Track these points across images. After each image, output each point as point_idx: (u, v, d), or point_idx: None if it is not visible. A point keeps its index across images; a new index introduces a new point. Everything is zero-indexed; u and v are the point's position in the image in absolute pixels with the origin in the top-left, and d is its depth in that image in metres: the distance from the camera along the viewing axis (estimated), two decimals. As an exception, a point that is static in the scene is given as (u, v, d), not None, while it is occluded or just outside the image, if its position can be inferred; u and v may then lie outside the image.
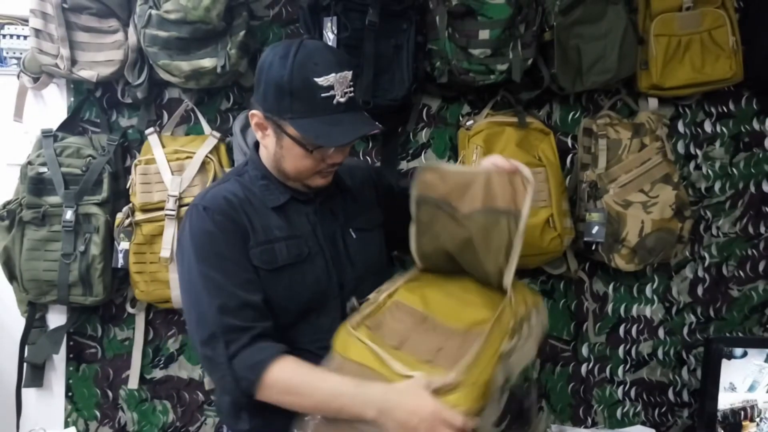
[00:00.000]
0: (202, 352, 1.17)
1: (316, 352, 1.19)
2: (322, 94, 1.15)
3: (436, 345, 1.15)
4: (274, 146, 1.23)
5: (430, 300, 1.25)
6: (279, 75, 1.16)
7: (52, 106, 1.88)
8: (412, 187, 1.30)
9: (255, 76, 1.23)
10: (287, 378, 1.12)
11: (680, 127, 2.02)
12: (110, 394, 1.89)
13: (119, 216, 1.74)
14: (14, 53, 1.87)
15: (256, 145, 1.31)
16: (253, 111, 1.22)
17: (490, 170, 1.26)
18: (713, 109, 2.03)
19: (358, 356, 1.13)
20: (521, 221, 1.20)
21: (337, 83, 1.16)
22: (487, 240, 1.23)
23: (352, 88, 1.20)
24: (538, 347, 1.24)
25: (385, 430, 1.05)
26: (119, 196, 1.80)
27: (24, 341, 1.82)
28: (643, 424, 2.03)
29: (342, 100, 1.17)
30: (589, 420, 2.03)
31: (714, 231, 2.05)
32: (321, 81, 1.15)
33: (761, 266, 2.07)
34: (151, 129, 1.80)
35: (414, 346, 1.15)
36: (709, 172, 2.03)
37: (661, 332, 2.04)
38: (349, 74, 1.18)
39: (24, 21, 1.79)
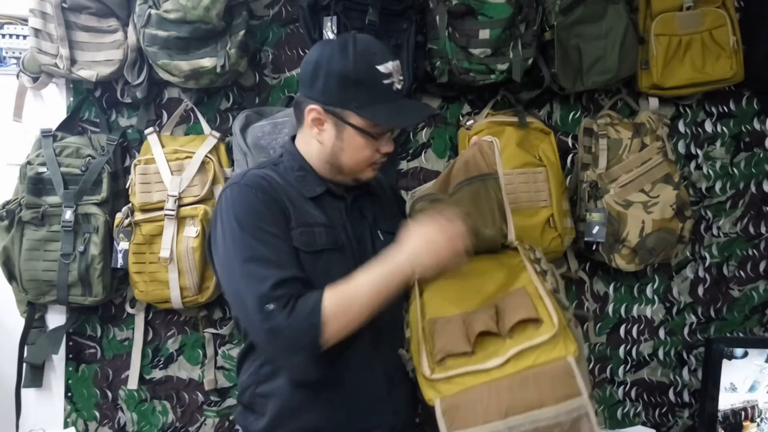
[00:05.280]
0: (259, 326, 1.13)
1: (342, 351, 1.21)
2: (384, 81, 1.20)
3: (494, 323, 1.20)
4: (332, 140, 1.24)
5: (453, 298, 1.29)
6: (342, 66, 1.19)
7: (52, 105, 1.87)
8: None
9: (307, 73, 1.24)
10: (339, 301, 1.14)
11: (681, 127, 2.02)
12: (110, 394, 1.89)
13: (119, 216, 1.73)
14: (14, 53, 1.87)
15: (293, 138, 1.33)
16: (311, 106, 1.23)
17: (460, 155, 1.39)
18: (714, 109, 2.03)
19: (457, 388, 1.16)
20: (500, 179, 1.31)
21: (394, 71, 1.22)
22: (479, 206, 1.30)
23: (403, 77, 1.25)
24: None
25: (430, 274, 1.19)
26: (119, 196, 1.80)
27: (23, 341, 1.81)
28: (644, 424, 2.03)
29: (399, 86, 1.23)
30: (590, 420, 2.02)
31: (715, 231, 2.04)
32: (382, 68, 1.20)
33: (762, 266, 2.07)
34: (151, 129, 1.80)
35: (482, 338, 1.19)
36: (710, 171, 2.03)
37: (661, 332, 2.04)
38: (398, 63, 1.24)
39: (23, 20, 1.79)
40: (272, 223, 1.19)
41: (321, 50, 1.23)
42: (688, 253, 2.03)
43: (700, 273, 2.04)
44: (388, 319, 1.32)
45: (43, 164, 1.73)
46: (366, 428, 1.26)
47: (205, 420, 1.91)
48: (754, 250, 2.06)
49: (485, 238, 1.32)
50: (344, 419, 1.24)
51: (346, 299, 1.15)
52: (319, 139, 1.26)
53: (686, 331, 2.04)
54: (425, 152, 1.95)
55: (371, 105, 1.20)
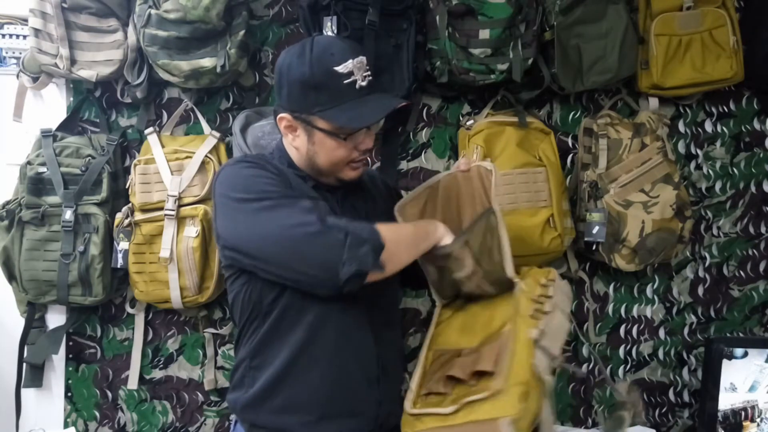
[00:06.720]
0: (316, 225, 1.12)
1: (341, 330, 1.23)
2: (344, 81, 1.20)
3: (472, 367, 1.20)
4: (306, 144, 1.25)
5: (462, 329, 1.30)
6: (300, 72, 1.20)
7: (52, 105, 1.87)
8: None
9: (276, 82, 1.26)
10: (387, 227, 1.19)
11: (681, 127, 2.02)
12: (110, 394, 1.89)
13: (119, 216, 1.73)
14: (14, 53, 1.87)
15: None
16: (282, 115, 1.25)
17: (456, 175, 1.37)
18: (714, 109, 2.03)
19: (422, 426, 1.17)
20: (497, 214, 1.29)
21: (355, 69, 1.21)
22: (484, 248, 1.29)
23: (369, 72, 1.24)
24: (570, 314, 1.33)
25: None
26: (119, 196, 1.80)
27: (23, 341, 1.82)
28: (644, 424, 2.03)
29: (363, 84, 1.22)
30: (590, 420, 2.02)
31: (715, 231, 2.04)
32: (340, 69, 1.19)
33: (762, 266, 2.06)
34: (151, 129, 1.80)
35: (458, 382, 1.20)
36: (710, 171, 2.03)
37: (661, 332, 2.04)
38: (364, 59, 1.23)
39: (23, 20, 1.79)
40: (281, 180, 1.21)
41: (283, 59, 1.25)
42: (688, 253, 2.03)
43: (700, 273, 2.04)
44: (387, 311, 1.33)
45: (43, 164, 1.73)
46: (350, 412, 1.25)
47: (205, 420, 1.91)
48: (754, 250, 2.06)
49: (498, 280, 1.31)
50: (329, 399, 1.24)
51: (392, 227, 1.21)
52: (295, 145, 1.28)
53: (686, 331, 2.04)
54: (425, 152, 1.95)
55: (333, 107, 1.20)
